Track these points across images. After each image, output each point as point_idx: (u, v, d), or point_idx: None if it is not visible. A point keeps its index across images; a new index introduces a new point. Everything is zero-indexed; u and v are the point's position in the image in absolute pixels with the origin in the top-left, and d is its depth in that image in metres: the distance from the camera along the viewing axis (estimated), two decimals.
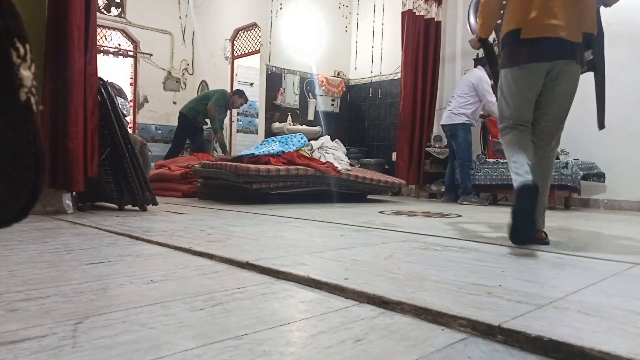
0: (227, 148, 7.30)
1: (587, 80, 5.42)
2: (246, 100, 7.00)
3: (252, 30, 7.45)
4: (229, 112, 7.33)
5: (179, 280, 1.35)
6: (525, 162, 2.14)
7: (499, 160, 5.09)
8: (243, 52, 7.77)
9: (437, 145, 6.13)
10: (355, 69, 7.61)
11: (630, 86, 4.88)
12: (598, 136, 5.10)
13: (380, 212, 3.83)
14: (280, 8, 6.73)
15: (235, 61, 7.93)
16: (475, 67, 5.90)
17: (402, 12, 6.38)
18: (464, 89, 5.31)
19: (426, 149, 6.15)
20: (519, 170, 2.12)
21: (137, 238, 2.10)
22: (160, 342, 0.85)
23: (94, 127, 3.17)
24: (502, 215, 3.84)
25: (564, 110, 2.30)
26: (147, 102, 8.34)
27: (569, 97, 2.29)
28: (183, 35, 8.68)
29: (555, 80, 2.22)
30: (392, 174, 6.12)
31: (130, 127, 7.75)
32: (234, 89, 7.94)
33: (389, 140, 7.13)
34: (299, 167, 4.50)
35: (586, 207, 5.22)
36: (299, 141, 5.01)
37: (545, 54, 2.16)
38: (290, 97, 6.97)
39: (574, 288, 1.30)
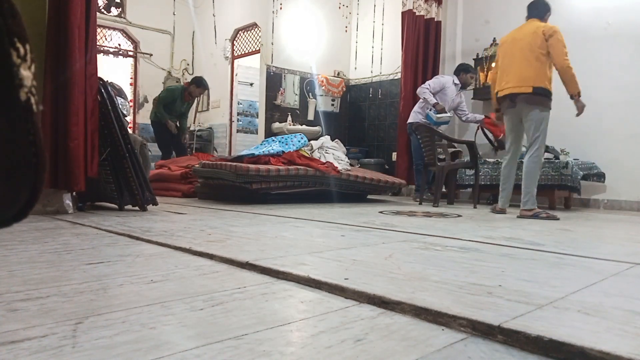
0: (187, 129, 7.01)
1: (586, 81, 5.45)
2: (205, 88, 6.76)
3: (252, 30, 7.46)
4: (195, 104, 7.22)
5: (179, 280, 1.35)
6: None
7: (499, 160, 5.09)
8: (243, 52, 7.77)
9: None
10: (355, 69, 7.61)
11: (630, 86, 4.88)
12: (598, 136, 5.11)
13: (380, 212, 3.83)
14: (280, 8, 6.73)
15: (235, 61, 7.93)
16: (476, 66, 5.92)
17: (402, 12, 6.37)
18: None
19: None
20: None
21: (137, 238, 2.10)
22: (160, 342, 0.85)
23: (94, 127, 3.17)
24: (502, 215, 3.84)
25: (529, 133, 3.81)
26: (147, 102, 8.34)
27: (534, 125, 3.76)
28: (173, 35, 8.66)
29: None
30: (392, 174, 6.12)
31: (130, 127, 7.75)
32: (233, 88, 7.91)
33: (389, 140, 7.13)
34: (299, 167, 4.50)
35: (586, 207, 5.22)
36: (299, 141, 5.01)
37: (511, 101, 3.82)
38: (290, 97, 6.96)
39: (574, 288, 1.30)
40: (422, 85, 5.55)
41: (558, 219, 3.55)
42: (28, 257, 1.62)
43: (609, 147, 5.00)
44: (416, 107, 5.67)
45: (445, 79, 5.57)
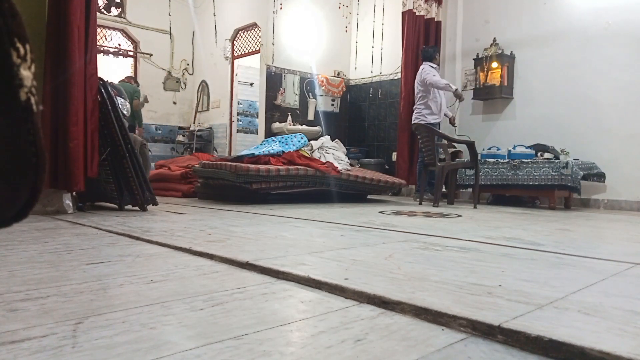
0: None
1: (586, 81, 5.41)
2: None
3: (252, 30, 7.45)
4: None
5: (179, 280, 1.35)
6: None
7: (499, 160, 5.10)
8: (243, 52, 7.77)
9: None
10: (355, 69, 7.61)
11: (630, 86, 4.88)
12: (598, 136, 5.11)
13: (380, 212, 3.83)
14: (281, 8, 6.73)
15: (235, 61, 7.93)
16: (476, 66, 5.91)
17: (402, 12, 6.37)
18: (419, 88, 5.49)
19: None
20: None
21: (137, 238, 2.10)
22: (160, 342, 0.85)
23: (94, 127, 3.17)
24: (502, 215, 3.84)
25: None
26: (147, 102, 8.33)
27: None
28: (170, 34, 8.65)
29: None
30: (392, 174, 6.12)
31: None
32: (233, 88, 7.94)
33: (389, 140, 7.13)
34: (299, 167, 4.50)
35: (586, 207, 5.22)
36: (299, 141, 5.01)
37: None
38: (290, 97, 6.96)
39: (574, 288, 1.30)
40: (428, 72, 5.34)
41: None
42: (28, 257, 1.62)
43: (609, 147, 5.00)
44: (420, 111, 5.48)
45: (426, 68, 5.44)
